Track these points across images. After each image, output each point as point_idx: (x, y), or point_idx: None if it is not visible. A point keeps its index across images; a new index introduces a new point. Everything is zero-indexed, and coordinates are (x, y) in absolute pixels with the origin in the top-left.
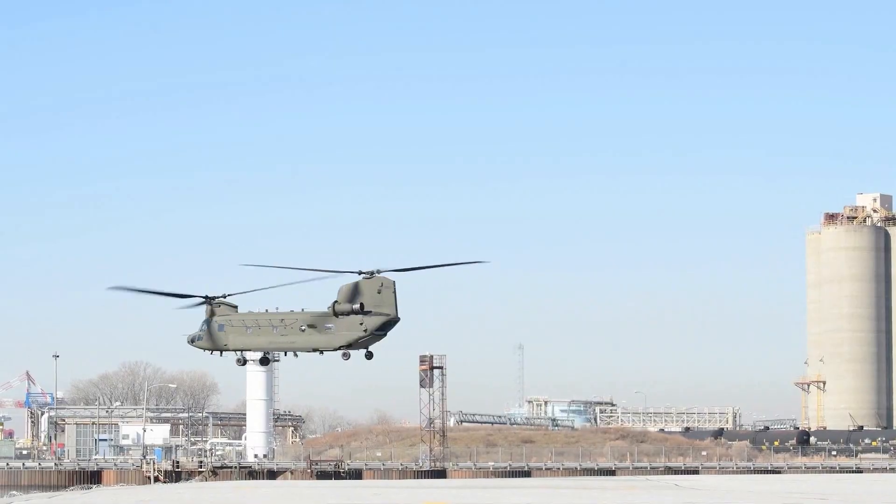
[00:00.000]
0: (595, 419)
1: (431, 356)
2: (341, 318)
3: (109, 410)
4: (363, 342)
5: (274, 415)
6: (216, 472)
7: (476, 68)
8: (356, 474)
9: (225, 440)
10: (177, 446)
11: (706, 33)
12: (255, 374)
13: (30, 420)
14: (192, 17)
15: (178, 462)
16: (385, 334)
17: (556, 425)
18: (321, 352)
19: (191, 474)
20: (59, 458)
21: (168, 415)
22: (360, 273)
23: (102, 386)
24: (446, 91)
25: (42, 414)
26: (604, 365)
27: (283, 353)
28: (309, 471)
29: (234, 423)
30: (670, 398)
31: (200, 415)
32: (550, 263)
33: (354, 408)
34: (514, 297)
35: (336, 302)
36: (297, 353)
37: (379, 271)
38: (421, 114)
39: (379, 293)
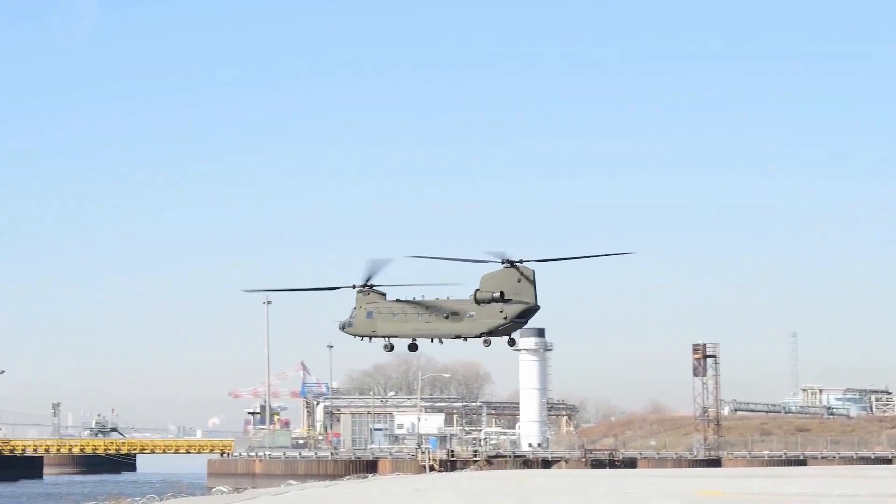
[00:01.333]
0: (871, 408)
1: (704, 345)
2: (482, 306)
3: (384, 400)
4: (504, 329)
5: (547, 404)
6: (491, 462)
7: (476, 68)
8: (630, 463)
9: (499, 429)
10: (451, 435)
11: (706, 33)
12: (528, 364)
13: (305, 410)
14: (192, 17)
15: (453, 451)
16: (525, 322)
17: (832, 413)
18: (464, 338)
19: (466, 463)
20: (335, 448)
21: (442, 404)
22: (501, 262)
23: (377, 376)
24: (446, 91)
25: (317, 404)
26: (879, 352)
27: (429, 340)
28: (583, 460)
29: (508, 412)
30: None
31: (474, 404)
32: (827, 251)
33: (628, 397)
34: (787, 284)
35: (478, 290)
36: (442, 339)
37: (521, 261)
38: (420, 113)
39: (519, 282)
